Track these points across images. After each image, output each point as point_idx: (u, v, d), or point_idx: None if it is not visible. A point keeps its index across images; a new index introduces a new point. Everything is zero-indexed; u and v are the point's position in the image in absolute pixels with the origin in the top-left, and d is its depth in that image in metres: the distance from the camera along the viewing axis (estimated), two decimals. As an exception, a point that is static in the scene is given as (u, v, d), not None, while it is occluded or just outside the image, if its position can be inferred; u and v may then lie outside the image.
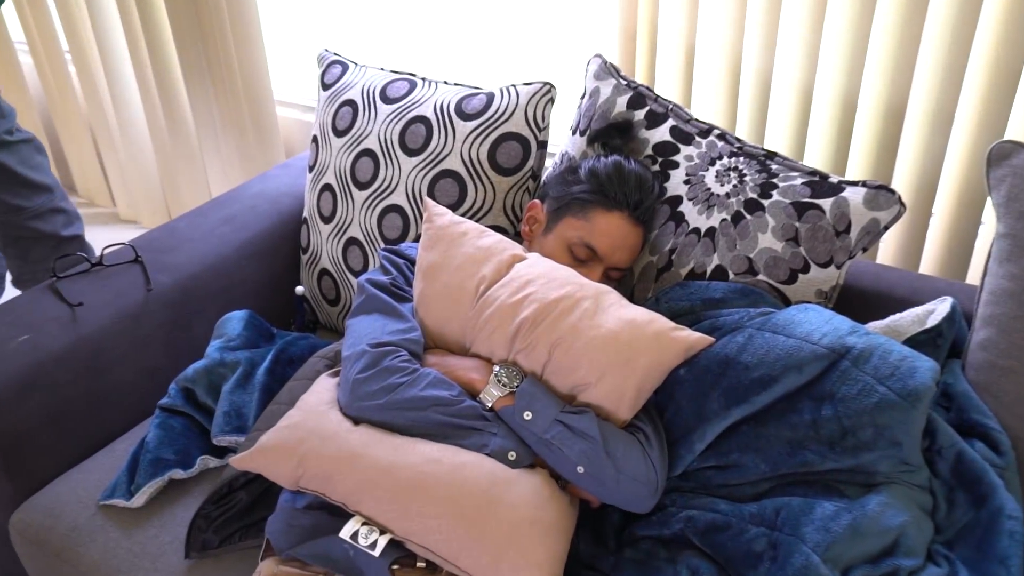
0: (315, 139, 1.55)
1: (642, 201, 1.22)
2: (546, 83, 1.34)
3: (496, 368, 1.06)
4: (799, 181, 1.19)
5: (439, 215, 1.18)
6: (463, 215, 1.36)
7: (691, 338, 1.07)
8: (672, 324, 1.08)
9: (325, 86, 1.54)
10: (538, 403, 1.03)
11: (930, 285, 1.25)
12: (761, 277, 1.19)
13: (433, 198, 1.37)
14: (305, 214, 1.57)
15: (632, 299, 1.30)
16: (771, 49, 1.50)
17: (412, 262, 1.21)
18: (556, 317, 1.06)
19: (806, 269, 1.17)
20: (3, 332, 1.26)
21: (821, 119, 1.50)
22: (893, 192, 1.13)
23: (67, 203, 2.01)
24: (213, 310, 1.44)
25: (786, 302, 1.19)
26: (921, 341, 1.12)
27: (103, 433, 1.31)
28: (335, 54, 1.57)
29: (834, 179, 1.18)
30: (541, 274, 1.11)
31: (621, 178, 1.22)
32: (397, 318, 1.11)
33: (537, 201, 1.29)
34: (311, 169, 1.55)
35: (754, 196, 1.20)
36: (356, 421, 1.02)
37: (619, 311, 1.08)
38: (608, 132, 1.33)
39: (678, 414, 1.08)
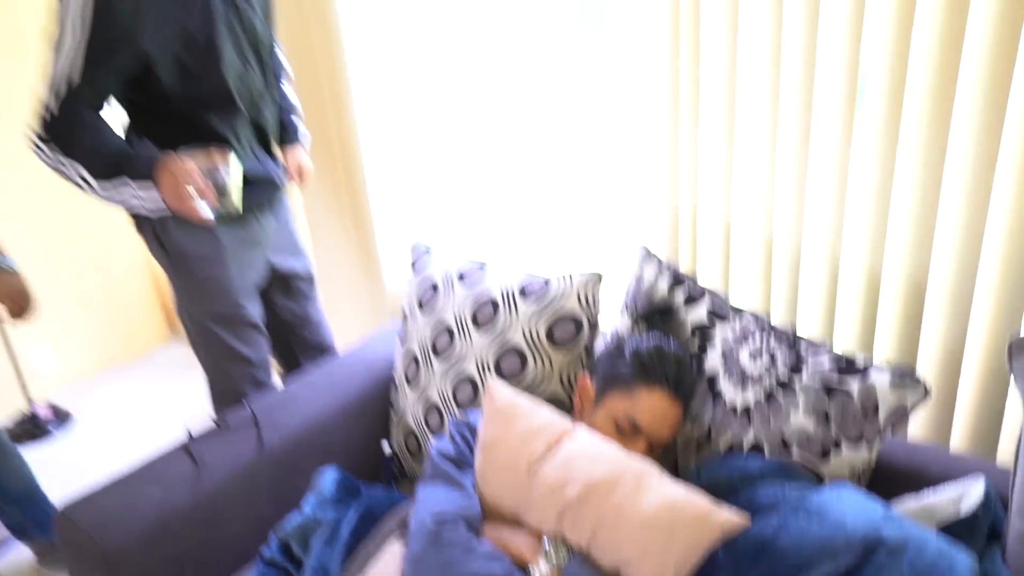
0: (404, 314, 1.58)
1: (681, 379, 1.17)
2: (595, 273, 1.34)
3: (546, 544, 1.01)
4: (827, 365, 1.12)
5: (498, 393, 1.17)
6: (525, 384, 1.34)
7: (728, 520, 0.99)
8: (709, 505, 1.01)
9: (415, 271, 1.59)
10: None
11: (962, 465, 1.13)
12: (796, 454, 1.11)
13: (499, 369, 1.37)
14: (394, 378, 1.59)
15: (676, 469, 1.24)
16: (798, 232, 1.46)
17: (475, 431, 1.20)
18: (600, 497, 1.01)
19: (838, 447, 1.09)
20: (139, 489, 1.30)
21: (848, 293, 1.43)
22: (917, 379, 1.05)
23: None
24: (314, 464, 1.44)
25: (819, 479, 1.10)
26: (956, 527, 1.01)
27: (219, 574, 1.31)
28: (425, 246, 1.63)
29: (860, 363, 1.11)
30: (586, 453, 1.07)
31: (661, 358, 1.18)
32: (458, 489, 1.09)
33: (587, 376, 1.26)
34: (401, 340, 1.58)
35: (785, 378, 1.14)
36: None
37: (659, 491, 1.02)
38: (651, 314, 1.30)
39: (717, 594, 0.99)
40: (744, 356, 1.19)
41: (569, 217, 2.09)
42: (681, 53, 1.51)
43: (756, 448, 1.14)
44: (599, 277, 1.33)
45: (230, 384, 1.71)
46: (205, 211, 1.37)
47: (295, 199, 2.40)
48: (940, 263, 1.30)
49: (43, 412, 2.62)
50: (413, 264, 1.61)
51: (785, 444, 1.12)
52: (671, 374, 1.17)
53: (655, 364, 1.17)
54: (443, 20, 1.99)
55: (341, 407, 1.54)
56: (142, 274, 3.04)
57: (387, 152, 2.18)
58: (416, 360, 1.50)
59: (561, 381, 1.35)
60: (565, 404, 1.32)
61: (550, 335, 1.34)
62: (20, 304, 1.75)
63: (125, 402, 2.78)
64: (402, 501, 1.33)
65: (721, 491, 1.09)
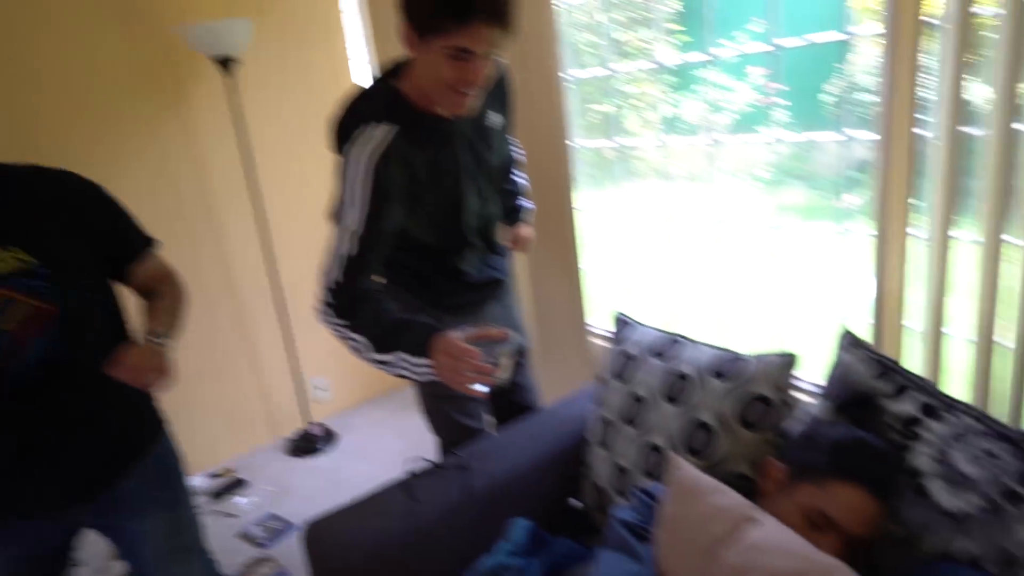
0: (602, 379, 1.55)
1: (883, 476, 1.00)
2: (790, 354, 1.21)
3: None
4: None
5: (680, 469, 1.08)
6: (711, 460, 1.24)
7: None
8: None
9: (615, 340, 1.56)
10: None
11: None
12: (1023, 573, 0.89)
13: (687, 443, 1.28)
14: (588, 436, 1.56)
15: (872, 567, 1.05)
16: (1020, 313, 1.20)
17: (657, 502, 1.11)
18: None
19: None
20: (367, 516, 1.39)
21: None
22: None
23: None
24: (513, 509, 1.44)
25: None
26: None
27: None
28: (626, 317, 1.59)
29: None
30: (773, 543, 0.94)
31: (862, 453, 1.02)
32: (636, 560, 1.02)
33: (776, 461, 1.13)
34: (597, 403, 1.54)
35: (1014, 486, 0.92)
36: None
37: None
38: (853, 404, 1.14)
39: None
40: (961, 458, 0.99)
41: (773, 293, 1.94)
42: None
43: (973, 561, 0.93)
44: (793, 359, 1.20)
45: (456, 446, 1.74)
46: (480, 389, 1.21)
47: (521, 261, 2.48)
48: None
49: (316, 431, 2.95)
50: (614, 333, 1.58)
51: (1010, 561, 0.90)
52: (872, 470, 1.00)
53: (855, 458, 1.02)
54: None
55: (540, 459, 1.53)
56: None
57: (601, 220, 2.18)
58: (609, 424, 1.46)
59: (748, 461, 1.22)
60: (750, 487, 1.19)
61: (739, 414, 1.22)
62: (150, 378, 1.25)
63: (383, 428, 3.02)
64: (587, 555, 1.28)
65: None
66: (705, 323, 2.06)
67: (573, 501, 1.50)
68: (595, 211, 2.25)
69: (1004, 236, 1.24)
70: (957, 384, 1.34)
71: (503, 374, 1.24)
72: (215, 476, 2.72)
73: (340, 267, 1.29)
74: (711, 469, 1.23)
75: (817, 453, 1.05)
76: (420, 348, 1.23)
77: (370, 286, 1.32)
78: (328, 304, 1.30)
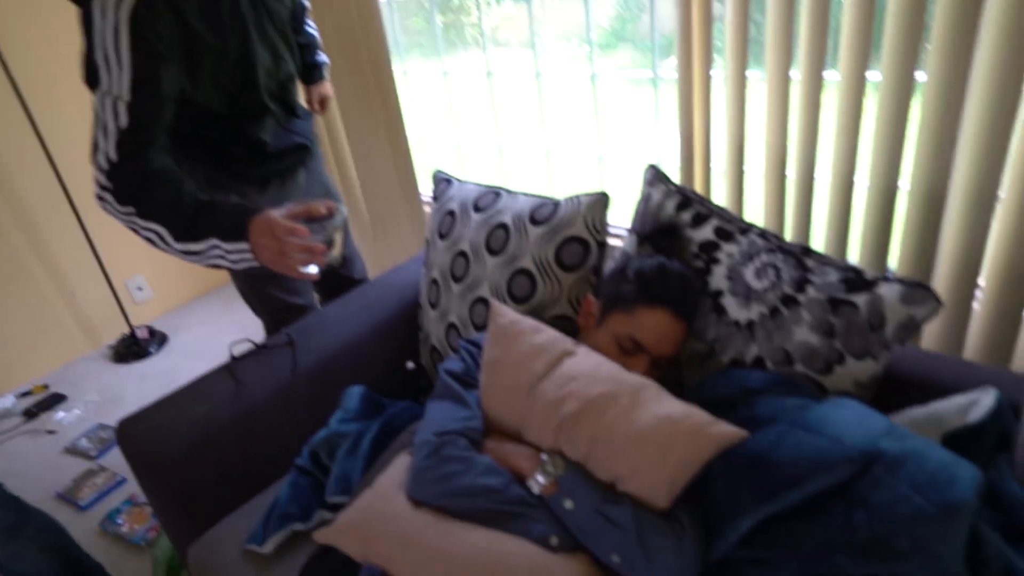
0: (427, 241, 1.47)
1: (684, 297, 1.03)
2: (602, 193, 1.18)
3: (543, 457, 0.91)
4: (834, 277, 0.96)
5: (501, 315, 1.06)
6: (534, 306, 1.23)
7: (724, 433, 0.87)
8: (707, 418, 0.88)
9: (435, 199, 1.47)
10: (579, 493, 0.87)
11: (974, 373, 0.97)
12: (799, 368, 0.97)
13: (511, 291, 1.25)
14: (420, 301, 1.50)
15: (681, 383, 1.11)
16: (812, 145, 1.26)
17: (483, 350, 1.09)
18: (596, 413, 0.90)
19: (842, 361, 0.94)
20: (186, 406, 1.26)
21: (863, 207, 1.24)
22: (929, 290, 0.88)
23: None
24: (347, 382, 1.38)
25: (824, 392, 0.96)
26: (963, 436, 0.86)
27: (258, 483, 1.27)
28: (445, 175, 1.50)
29: (870, 276, 0.94)
30: (586, 371, 0.95)
31: (664, 277, 1.04)
32: (463, 406, 0.99)
33: (592, 297, 1.13)
34: (425, 265, 1.48)
35: (790, 292, 0.98)
36: (418, 504, 0.90)
37: (656, 407, 0.90)
38: (656, 235, 1.15)
39: (714, 504, 0.88)
40: (750, 273, 1.04)
41: (589, 139, 1.91)
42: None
43: (759, 363, 1.00)
44: (605, 198, 1.18)
45: (284, 325, 1.61)
46: (310, 271, 1.09)
47: (340, 129, 2.29)
48: (961, 171, 1.10)
49: (143, 334, 2.67)
50: (434, 193, 1.49)
51: (788, 358, 0.97)
52: (673, 292, 1.03)
53: (657, 283, 1.03)
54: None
55: (372, 329, 1.46)
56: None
57: (420, 80, 2.03)
58: (437, 283, 1.40)
59: (570, 302, 1.22)
60: (571, 326, 1.20)
61: (558, 257, 1.20)
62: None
63: (217, 324, 2.80)
64: (423, 412, 1.25)
65: (722, 406, 0.97)
66: (530, 176, 2.03)
67: (409, 364, 1.45)
68: (425, 79, 2.07)
69: (791, 72, 1.27)
70: (757, 213, 1.41)
71: (336, 252, 1.11)
72: (25, 395, 2.40)
73: (112, 143, 1.07)
74: (534, 314, 1.22)
75: (625, 284, 1.06)
76: (235, 232, 1.08)
77: (158, 164, 1.10)
78: (104, 188, 1.08)
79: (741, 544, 0.84)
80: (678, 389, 1.08)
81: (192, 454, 1.19)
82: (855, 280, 0.94)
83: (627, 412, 0.89)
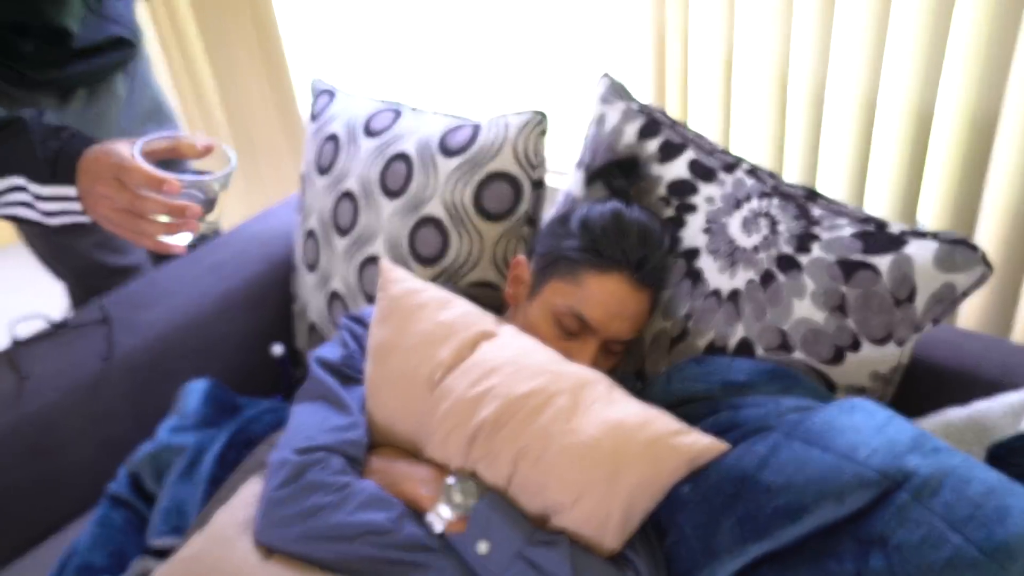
0: (302, 177, 1.33)
1: (647, 259, 0.94)
2: (537, 112, 1.06)
3: (449, 481, 0.80)
4: (848, 232, 0.87)
5: (394, 281, 0.93)
6: (446, 268, 1.11)
7: (697, 446, 0.79)
8: (673, 426, 0.80)
9: (313, 118, 1.32)
10: (497, 531, 0.77)
11: (1028, 363, 0.92)
12: (798, 355, 0.89)
13: (413, 248, 1.12)
14: (294, 260, 1.36)
15: (643, 373, 1.02)
16: (825, 57, 1.17)
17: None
18: (523, 419, 0.80)
19: (856, 347, 0.86)
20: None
21: (887, 143, 1.17)
22: (975, 249, 0.81)
23: None
24: (190, 373, 1.24)
25: (830, 387, 0.89)
26: (1017, 449, 0.80)
27: (55, 518, 1.13)
28: (327, 85, 1.34)
29: (895, 229, 0.86)
30: (510, 359, 0.84)
31: (620, 231, 0.93)
32: (339, 410, 0.88)
33: (523, 258, 1.02)
34: (299, 210, 1.33)
35: (789, 251, 0.89)
36: (271, 551, 0.79)
37: (604, 410, 0.81)
38: (609, 170, 1.04)
39: (681, 543, 0.80)
40: (735, 224, 0.95)
41: (522, 46, 1.78)
42: None
43: (745, 348, 0.92)
44: (542, 120, 1.06)
45: (95, 294, 1.47)
46: (177, 241, 0.95)
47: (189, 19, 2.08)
48: (1014, 97, 1.03)
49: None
50: (312, 109, 1.33)
51: (785, 343, 0.89)
52: (632, 250, 0.93)
53: (610, 237, 0.93)
54: None
55: (224, 299, 1.32)
56: None
57: None
58: (315, 236, 1.26)
59: (495, 264, 1.11)
60: (500, 297, 1.09)
61: (478, 201, 1.08)
62: None
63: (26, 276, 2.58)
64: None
65: (696, 405, 0.89)
66: (446, 93, 1.88)
67: (276, 348, 1.32)
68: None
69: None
70: (747, 144, 1.32)
71: (216, 216, 0.97)
72: None
73: None
74: (447, 280, 1.11)
75: (567, 239, 0.96)
76: (55, 170, 0.94)
77: None
78: None
79: (717, 597, 0.76)
80: (637, 384, 1.00)
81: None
82: (876, 235, 0.86)
83: (566, 417, 0.79)
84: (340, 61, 2.06)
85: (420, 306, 0.91)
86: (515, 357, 0.85)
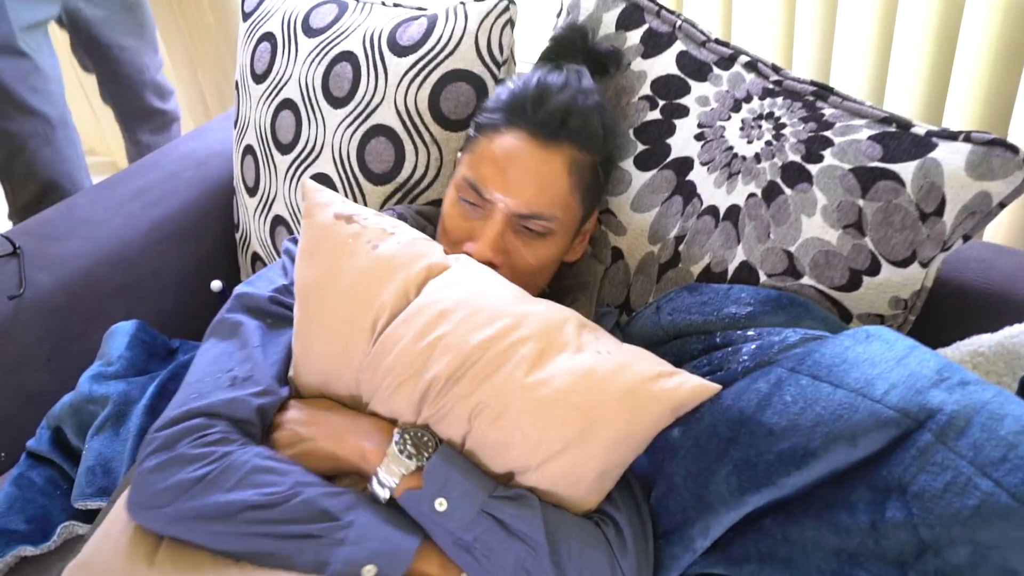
0: (236, 86, 1.22)
1: (540, 105, 0.84)
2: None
3: (397, 435, 0.73)
4: (865, 135, 0.79)
5: (321, 205, 0.83)
6: (400, 187, 1.02)
7: (681, 390, 0.72)
8: (653, 370, 0.74)
9: (245, 15, 1.21)
10: (456, 486, 0.70)
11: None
12: (807, 280, 0.82)
13: (363, 163, 1.03)
14: (234, 182, 1.27)
15: (628, 300, 0.95)
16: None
17: None
18: (479, 372, 0.72)
19: (875, 269, 0.79)
20: None
21: (911, 32, 1.07)
22: (1015, 150, 0.73)
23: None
24: (117, 314, 1.16)
25: (844, 316, 0.82)
26: (1054, 381, 0.75)
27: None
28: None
29: (920, 130, 0.78)
30: (463, 300, 0.76)
31: (520, 87, 0.86)
32: (243, 359, 0.79)
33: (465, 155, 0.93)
34: (235, 125, 1.23)
35: (797, 158, 0.82)
36: (160, 538, 0.71)
37: (573, 357, 0.73)
38: (562, 40, 0.95)
39: (671, 494, 0.75)
40: (733, 129, 0.86)
41: None
42: None
43: (746, 273, 0.85)
44: (508, 4, 0.97)
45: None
46: None
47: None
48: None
49: None
50: (244, 7, 1.22)
51: (792, 266, 0.82)
52: (524, 101, 0.85)
53: (518, 96, 0.86)
54: None
55: (154, 226, 1.23)
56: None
57: None
58: (254, 153, 1.17)
59: (458, 180, 1.02)
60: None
61: (435, 106, 0.99)
62: None
63: None
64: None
65: (688, 340, 0.83)
66: None
67: (216, 283, 1.24)
68: None
69: None
70: (747, 34, 1.23)
71: None
72: None
73: None
74: (403, 200, 1.03)
75: (483, 112, 0.89)
76: None
77: None
78: None
79: (712, 554, 0.72)
80: (621, 318, 0.93)
81: None
82: (898, 138, 0.78)
83: (528, 368, 0.72)
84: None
85: (354, 236, 0.80)
86: (469, 296, 0.76)
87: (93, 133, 2.67)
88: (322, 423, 0.76)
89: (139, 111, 1.96)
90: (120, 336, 1.07)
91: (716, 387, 0.73)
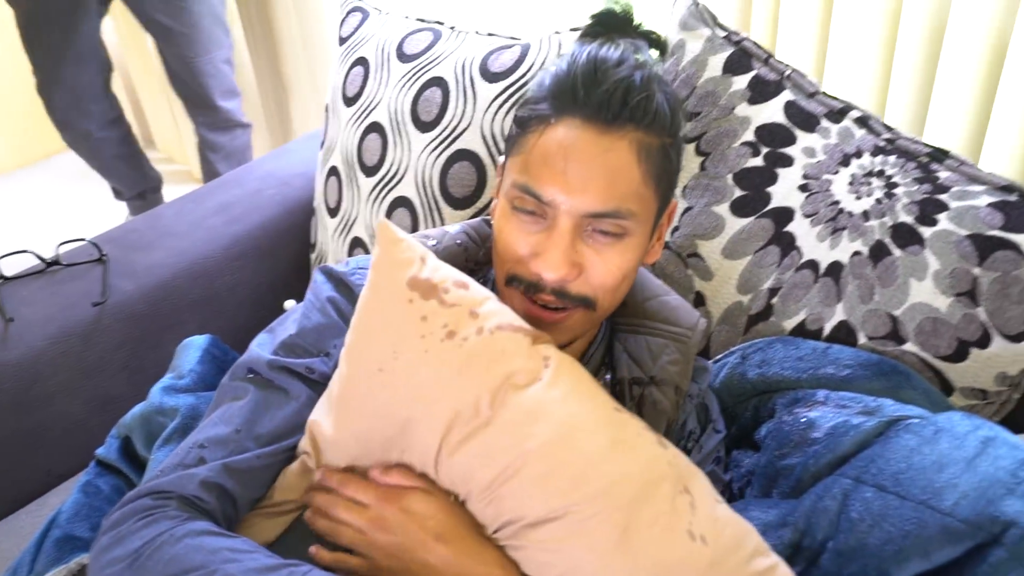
0: (327, 108, 1.24)
1: (595, 86, 0.70)
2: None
3: None
4: (984, 201, 0.76)
5: (396, 265, 0.70)
6: (481, 211, 1.02)
7: None
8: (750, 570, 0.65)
9: (341, 40, 1.23)
10: None
11: None
12: (910, 347, 0.78)
13: (445, 187, 1.03)
14: (315, 203, 1.28)
15: (707, 349, 0.92)
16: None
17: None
18: (563, 527, 0.64)
19: (985, 342, 0.76)
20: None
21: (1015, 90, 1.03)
22: None
23: None
24: (191, 325, 1.18)
25: (946, 387, 0.78)
26: None
27: (36, 483, 1.09)
28: (356, 3, 1.24)
29: (1045, 197, 0.75)
30: (550, 443, 0.65)
31: (574, 64, 0.72)
32: (226, 421, 0.72)
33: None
34: (322, 146, 1.25)
35: (908, 220, 0.79)
36: None
37: (665, 539, 0.65)
38: (608, 20, 0.81)
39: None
40: (841, 184, 0.84)
41: None
42: None
43: (845, 333, 0.82)
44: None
45: None
46: None
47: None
48: None
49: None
50: (340, 30, 1.24)
51: (895, 331, 0.79)
52: (575, 84, 0.71)
53: (563, 78, 0.72)
54: None
55: (234, 241, 1.24)
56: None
57: None
58: (339, 175, 1.18)
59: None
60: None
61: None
62: None
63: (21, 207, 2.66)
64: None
65: (771, 397, 0.79)
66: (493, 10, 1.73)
67: (288, 302, 1.25)
68: None
69: None
70: (852, 87, 1.19)
71: None
72: None
73: None
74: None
75: (527, 106, 0.76)
76: None
77: None
78: None
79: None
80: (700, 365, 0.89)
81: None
82: (1020, 207, 0.75)
83: (617, 540, 0.63)
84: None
85: (429, 316, 0.68)
86: (556, 440, 0.65)
87: (173, 141, 2.75)
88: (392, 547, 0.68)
89: (196, 100, 2.06)
90: (192, 350, 1.09)
91: None
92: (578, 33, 0.82)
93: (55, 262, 1.17)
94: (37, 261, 1.17)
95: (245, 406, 0.73)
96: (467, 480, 0.66)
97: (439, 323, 0.67)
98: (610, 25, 0.80)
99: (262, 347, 0.77)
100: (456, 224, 0.85)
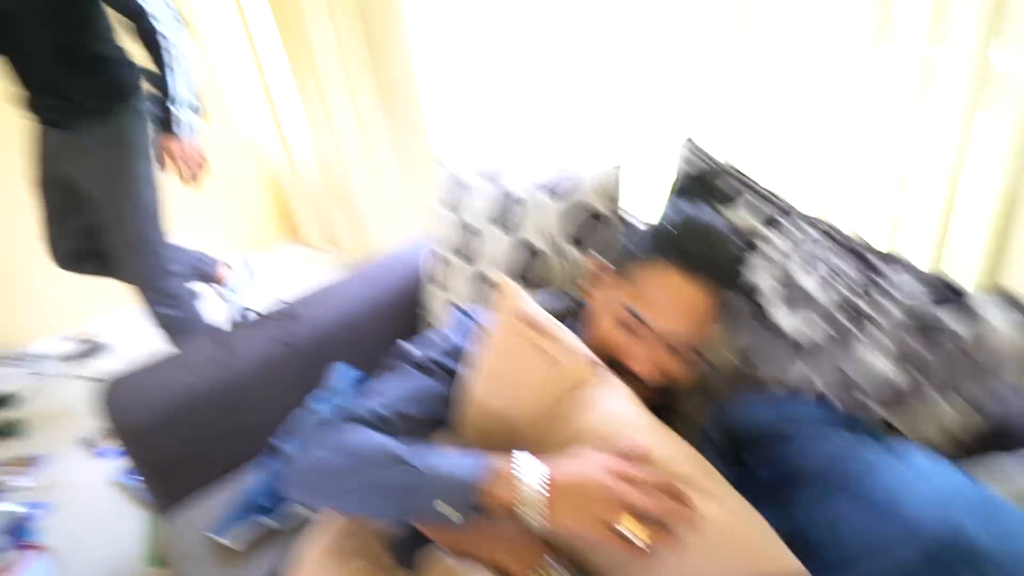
0: (434, 211, 1.23)
1: (704, 253, 0.72)
2: (613, 166, 0.93)
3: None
4: (919, 294, 0.68)
5: (512, 298, 0.71)
6: (535, 276, 0.98)
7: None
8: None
9: (443, 166, 1.22)
10: None
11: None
12: (860, 398, 0.70)
13: (517, 271, 1.00)
14: (423, 276, 1.27)
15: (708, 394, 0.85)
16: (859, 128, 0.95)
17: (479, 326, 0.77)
18: None
19: (926, 397, 0.67)
20: (171, 372, 1.08)
21: (921, 195, 0.91)
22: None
23: None
24: (341, 359, 1.17)
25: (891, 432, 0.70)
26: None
27: (239, 460, 1.09)
28: (454, 140, 1.24)
29: (961, 290, 0.66)
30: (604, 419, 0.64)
31: (687, 226, 0.74)
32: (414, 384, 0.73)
33: (597, 255, 0.83)
34: (430, 239, 1.24)
35: (858, 303, 0.71)
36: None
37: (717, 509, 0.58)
38: (693, 183, 0.84)
39: None
40: (803, 272, 0.77)
41: (618, 108, 1.56)
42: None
43: (807, 386, 0.74)
44: (618, 168, 0.93)
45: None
46: None
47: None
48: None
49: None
50: (445, 161, 1.24)
51: (847, 385, 0.71)
52: (689, 244, 0.72)
53: (672, 233, 0.73)
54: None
55: (374, 305, 1.24)
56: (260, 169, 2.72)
57: (435, 43, 1.71)
58: (441, 258, 1.17)
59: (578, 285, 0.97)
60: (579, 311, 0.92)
61: (570, 233, 0.96)
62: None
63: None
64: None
65: (749, 443, 0.70)
66: (550, 143, 1.68)
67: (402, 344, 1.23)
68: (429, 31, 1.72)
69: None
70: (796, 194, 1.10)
71: None
72: (75, 341, 2.30)
73: None
74: (537, 288, 0.99)
75: (634, 238, 0.78)
76: None
77: None
78: None
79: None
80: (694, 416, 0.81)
81: (168, 423, 1.03)
82: (945, 295, 0.67)
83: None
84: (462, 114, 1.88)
85: (531, 337, 0.69)
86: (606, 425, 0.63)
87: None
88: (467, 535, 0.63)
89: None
90: (339, 373, 1.08)
91: None
92: (676, 186, 0.83)
93: (267, 316, 1.18)
94: (255, 315, 1.19)
95: (395, 377, 0.74)
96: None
97: (539, 336, 0.69)
98: (697, 187, 0.82)
99: (415, 348, 0.78)
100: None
